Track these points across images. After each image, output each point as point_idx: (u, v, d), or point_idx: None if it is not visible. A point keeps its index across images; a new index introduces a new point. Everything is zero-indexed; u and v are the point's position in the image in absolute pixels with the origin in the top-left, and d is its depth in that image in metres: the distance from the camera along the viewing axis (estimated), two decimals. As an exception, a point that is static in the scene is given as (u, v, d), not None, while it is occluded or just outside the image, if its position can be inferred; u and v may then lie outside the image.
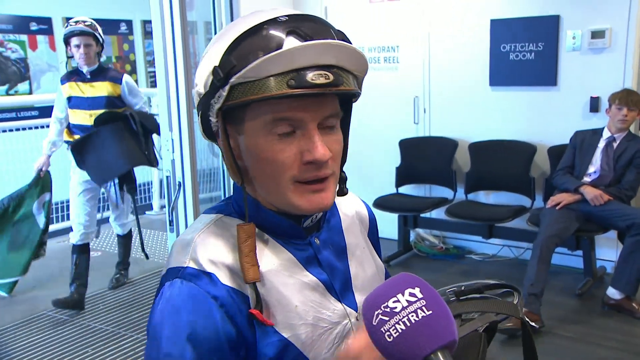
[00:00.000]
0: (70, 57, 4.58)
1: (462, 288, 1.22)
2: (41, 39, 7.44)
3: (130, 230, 5.09)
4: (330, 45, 0.95)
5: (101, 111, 4.39)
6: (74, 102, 4.49)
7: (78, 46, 4.41)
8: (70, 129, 4.60)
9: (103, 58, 4.60)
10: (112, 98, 4.51)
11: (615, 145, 4.48)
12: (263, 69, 0.92)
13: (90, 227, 4.69)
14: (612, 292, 4.30)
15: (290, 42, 0.94)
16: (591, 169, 4.56)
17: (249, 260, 0.99)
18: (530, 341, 1.15)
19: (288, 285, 1.04)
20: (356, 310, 1.11)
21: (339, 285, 1.11)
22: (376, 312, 0.84)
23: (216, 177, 4.20)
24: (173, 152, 3.58)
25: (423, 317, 0.82)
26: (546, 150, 5.05)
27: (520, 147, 5.17)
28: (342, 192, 1.15)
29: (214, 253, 1.02)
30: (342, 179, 1.14)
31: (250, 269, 0.99)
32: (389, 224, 5.61)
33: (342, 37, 1.00)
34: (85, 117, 4.46)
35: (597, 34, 4.75)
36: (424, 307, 0.83)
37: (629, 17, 4.64)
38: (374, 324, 0.84)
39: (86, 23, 4.45)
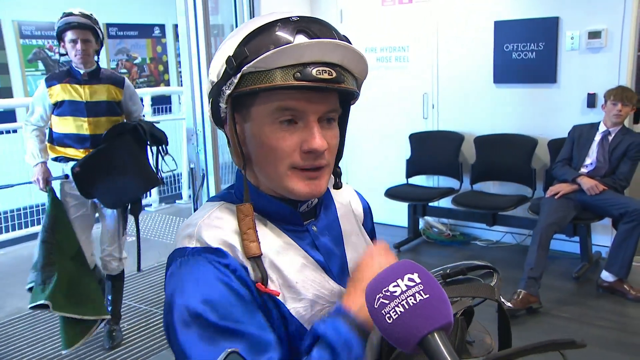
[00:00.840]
0: (62, 55, 3.61)
1: (448, 271, 1.22)
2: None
3: (123, 270, 3.89)
4: (336, 44, 0.96)
5: (100, 119, 3.54)
6: (66, 108, 3.51)
7: (74, 41, 3.46)
8: (57, 140, 3.56)
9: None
10: (112, 103, 3.59)
11: (610, 138, 4.45)
12: (272, 60, 0.94)
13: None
14: (606, 275, 4.29)
15: (300, 39, 0.96)
16: (588, 161, 4.54)
17: (247, 237, 1.00)
18: (506, 321, 1.15)
19: (288, 264, 1.04)
20: None
21: (336, 269, 1.11)
22: (377, 296, 0.85)
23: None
24: (197, 145, 3.65)
25: (420, 301, 0.82)
26: (546, 143, 5.03)
27: (522, 141, 5.15)
28: (337, 186, 1.15)
29: (217, 234, 1.02)
30: (338, 174, 1.14)
31: (250, 244, 0.99)
32: (399, 212, 5.64)
33: (347, 41, 1.01)
34: (81, 126, 3.51)
35: (594, 35, 4.71)
36: (421, 291, 0.83)
37: (623, 19, 4.59)
38: (375, 306, 0.85)
39: (85, 15, 3.51)
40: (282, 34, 0.96)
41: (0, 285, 4.87)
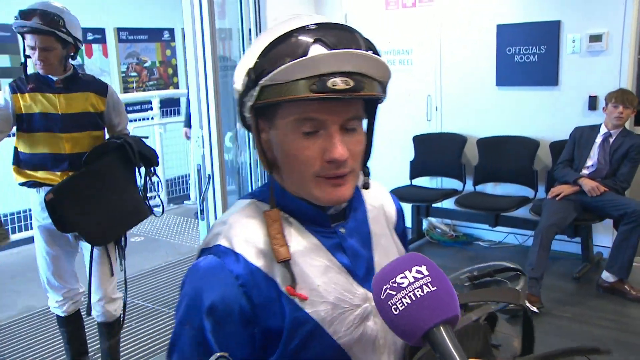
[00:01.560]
0: (28, 57, 2.81)
1: (475, 273, 1.21)
2: (96, 47, 7.64)
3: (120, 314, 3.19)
4: (351, 54, 0.95)
5: (80, 134, 2.88)
6: (37, 122, 2.81)
7: (33, 48, 2.74)
8: (25, 161, 2.88)
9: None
10: (94, 115, 2.92)
11: (611, 140, 4.43)
12: (289, 73, 0.93)
13: (71, 291, 3.10)
14: (607, 276, 4.27)
15: (316, 50, 0.94)
16: (589, 163, 4.52)
17: (277, 242, 1.01)
18: (530, 325, 1.14)
19: (312, 267, 1.04)
20: None
21: (362, 271, 1.09)
22: (384, 287, 0.84)
23: (242, 171, 4.23)
24: (203, 147, 3.65)
25: (427, 293, 0.81)
26: (548, 145, 5.01)
27: (524, 142, 5.13)
28: (366, 185, 1.14)
29: (245, 234, 1.03)
30: (366, 174, 1.13)
31: (279, 249, 1.00)
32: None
33: (369, 44, 1.00)
34: (57, 143, 2.84)
35: (595, 38, 4.70)
36: (429, 284, 0.82)
37: (624, 22, 4.58)
38: (382, 297, 0.84)
39: (45, 15, 2.71)
40: (298, 45, 0.95)
41: (13, 284, 4.91)
